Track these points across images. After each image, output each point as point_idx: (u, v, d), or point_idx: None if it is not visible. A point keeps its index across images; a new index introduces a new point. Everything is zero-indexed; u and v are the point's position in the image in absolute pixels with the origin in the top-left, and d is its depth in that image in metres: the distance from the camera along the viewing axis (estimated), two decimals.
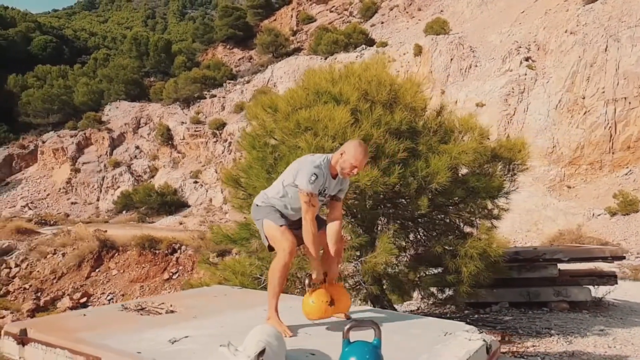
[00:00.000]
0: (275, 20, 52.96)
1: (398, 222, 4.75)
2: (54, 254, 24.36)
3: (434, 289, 5.14)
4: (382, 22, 46.36)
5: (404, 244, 4.91)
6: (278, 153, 4.63)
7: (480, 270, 4.43)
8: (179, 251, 22.73)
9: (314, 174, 3.13)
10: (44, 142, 41.96)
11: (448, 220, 5.08)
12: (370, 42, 42.52)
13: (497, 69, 31.76)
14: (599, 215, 21.48)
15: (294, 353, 2.48)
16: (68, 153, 40.88)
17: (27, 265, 23.98)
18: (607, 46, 24.84)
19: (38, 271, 23.34)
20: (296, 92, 4.75)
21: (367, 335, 2.32)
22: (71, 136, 41.94)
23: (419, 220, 4.92)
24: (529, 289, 6.40)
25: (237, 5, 56.13)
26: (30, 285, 22.20)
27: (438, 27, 39.14)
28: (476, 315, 6.04)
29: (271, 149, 4.73)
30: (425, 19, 42.41)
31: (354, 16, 49.16)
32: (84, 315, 3.17)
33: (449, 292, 5.14)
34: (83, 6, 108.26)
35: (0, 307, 19.26)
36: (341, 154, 3.21)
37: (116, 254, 23.83)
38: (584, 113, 24.62)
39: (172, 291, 18.60)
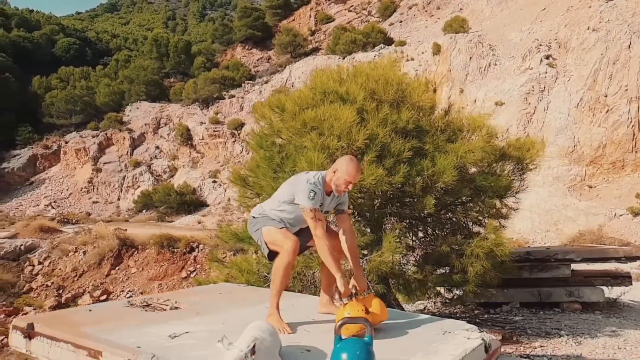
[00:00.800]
0: (293, 20, 53.13)
1: (405, 221, 4.75)
2: (76, 252, 24.80)
3: (441, 289, 5.14)
4: (401, 21, 46.17)
5: (410, 243, 4.91)
6: (285, 152, 4.68)
7: (487, 269, 4.41)
8: (196, 250, 22.97)
9: (311, 190, 3.19)
10: (66, 143, 42.77)
11: (455, 220, 5.06)
12: (389, 42, 42.40)
13: (516, 67, 31.39)
14: (620, 215, 21.09)
15: (290, 349, 2.52)
16: (90, 153, 41.59)
17: (50, 263, 24.43)
18: (630, 43, 24.37)
19: (60, 269, 23.79)
20: (303, 92, 4.79)
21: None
22: (93, 136, 42.66)
23: (427, 219, 4.91)
24: (541, 289, 6.33)
25: (256, 6, 56.46)
26: (52, 283, 22.63)
27: (457, 26, 38.87)
28: (486, 315, 6.00)
29: (278, 148, 4.79)
30: (444, 18, 42.11)
31: (372, 15, 49.04)
32: (90, 310, 3.26)
33: (457, 291, 5.13)
34: (105, 8, 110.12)
35: (23, 304, 19.67)
36: (334, 172, 3.27)
37: (135, 253, 24.17)
38: (606, 111, 24.19)
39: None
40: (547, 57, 30.12)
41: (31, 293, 21.52)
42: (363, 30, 43.28)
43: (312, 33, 49.63)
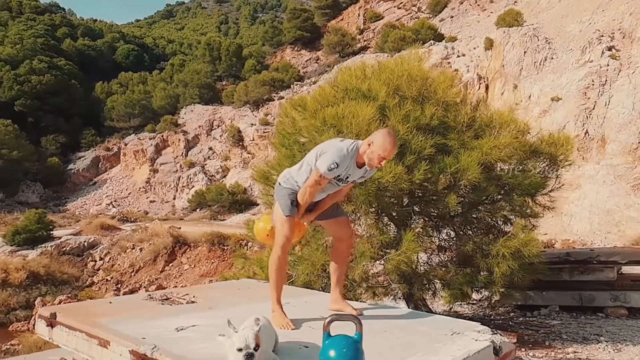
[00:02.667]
0: (342, 19, 53.14)
1: (432, 220, 4.65)
2: (133, 248, 25.84)
3: (469, 290, 4.99)
4: (452, 17, 45.22)
5: (436, 242, 4.81)
6: (306, 150, 4.68)
7: (515, 270, 4.25)
8: (245, 247, 23.40)
9: (335, 162, 3.04)
10: (126, 145, 44.69)
11: (482, 219, 4.90)
12: (439, 38, 41.66)
13: (575, 60, 29.99)
14: None
15: (289, 345, 2.54)
16: (147, 154, 43.25)
17: (110, 258, 25.57)
18: None
19: (119, 264, 24.89)
20: (325, 89, 4.80)
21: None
22: (150, 139, 44.33)
23: (454, 218, 4.79)
24: (582, 292, 6.01)
25: (305, 7, 56.89)
26: (112, 277, 23.69)
27: (511, 19, 37.64)
28: (521, 318, 5.78)
29: (299, 146, 4.80)
30: (497, 11, 40.88)
31: (422, 12, 48.30)
32: (110, 302, 3.41)
33: (485, 292, 4.97)
34: (162, 15, 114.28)
35: (86, 296, 20.70)
36: (369, 145, 3.09)
37: (188, 250, 24.91)
38: None
39: None
40: (610, 49, 28.58)
41: (93, 287, 22.64)
42: (412, 27, 42.72)
43: (361, 32, 49.46)
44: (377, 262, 4.44)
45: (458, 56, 38.84)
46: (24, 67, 45.24)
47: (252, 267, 5.12)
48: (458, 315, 5.63)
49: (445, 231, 4.86)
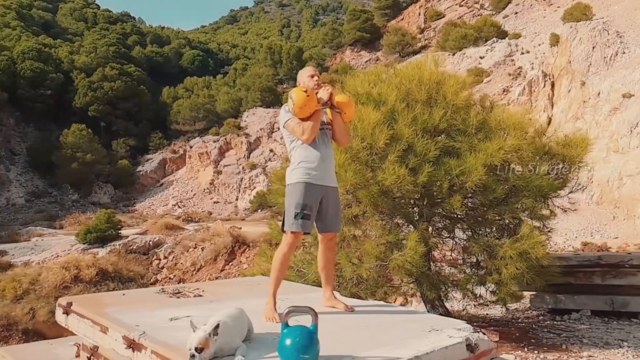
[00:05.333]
0: (402, 19, 52.68)
1: (438, 221, 4.68)
2: (195, 248, 26.80)
3: (480, 290, 4.95)
4: (516, 13, 43.73)
5: (443, 242, 4.82)
6: None
7: (523, 272, 4.19)
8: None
9: (285, 109, 3.56)
10: (191, 147, 46.55)
11: (490, 220, 4.84)
12: (502, 35, 40.40)
13: None
14: None
15: (264, 335, 2.74)
16: (211, 157, 44.82)
17: (173, 257, 26.67)
18: None
19: (181, 263, 25.92)
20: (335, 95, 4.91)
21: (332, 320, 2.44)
22: (214, 141, 45.93)
23: (461, 219, 4.78)
24: (615, 297, 5.77)
25: (365, 8, 56.89)
26: (174, 276, 24.71)
27: (579, 13, 35.89)
28: (547, 322, 5.63)
29: None
30: (564, 6, 39.10)
31: (485, 9, 47.01)
32: (124, 294, 3.74)
33: (499, 294, 4.90)
34: (226, 20, 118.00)
35: None
36: (300, 84, 3.64)
37: (247, 249, 25.57)
38: None
39: None
40: None
41: (157, 284, 23.76)
42: (475, 24, 41.70)
43: (421, 31, 48.82)
44: (384, 262, 4.52)
45: (522, 53, 37.52)
46: (97, 75, 48.20)
47: (268, 265, 5.33)
48: (479, 317, 5.59)
49: (454, 232, 4.86)
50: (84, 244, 24.38)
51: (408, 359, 2.44)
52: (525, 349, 4.50)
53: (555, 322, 5.59)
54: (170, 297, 3.63)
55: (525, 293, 6.06)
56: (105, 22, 69.90)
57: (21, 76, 45.90)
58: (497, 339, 3.46)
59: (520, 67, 36.06)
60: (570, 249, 13.21)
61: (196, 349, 2.35)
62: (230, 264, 25.12)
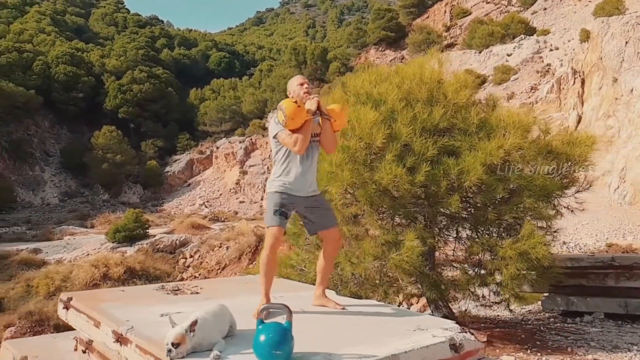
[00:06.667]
0: (427, 17, 52.20)
1: (437, 220, 4.64)
2: (220, 247, 27.12)
3: (482, 291, 4.89)
4: (545, 9, 42.81)
5: (443, 242, 4.78)
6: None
7: (525, 273, 4.13)
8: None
9: (275, 117, 3.59)
10: (217, 148, 47.18)
11: (490, 220, 4.77)
12: (531, 31, 39.61)
13: None
14: None
15: (247, 331, 2.79)
16: (237, 157, 45.34)
17: (199, 256, 27.06)
18: None
19: (206, 262, 26.27)
20: (336, 94, 4.95)
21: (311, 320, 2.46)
22: (240, 142, 46.45)
23: (461, 219, 4.73)
24: (629, 300, 5.61)
25: (390, 7, 56.57)
26: (200, 274, 25.06)
27: (611, 8, 34.92)
28: (558, 324, 5.53)
29: None
30: (595, 1, 38.12)
31: (512, 5, 46.20)
32: (123, 290, 3.85)
33: (503, 295, 4.83)
34: (252, 22, 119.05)
35: None
36: (289, 95, 3.70)
37: None
38: None
39: None
40: None
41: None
42: (502, 21, 41.04)
43: (447, 29, 48.28)
44: (382, 261, 4.51)
45: (551, 50, 36.73)
46: (127, 77, 49.37)
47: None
48: (487, 319, 5.53)
49: (454, 232, 4.82)
50: (113, 242, 24.99)
51: (384, 357, 2.46)
52: (529, 351, 4.43)
53: (565, 325, 5.47)
54: (167, 294, 3.73)
55: (538, 295, 5.96)
56: (135, 25, 71.41)
57: (55, 80, 47.38)
58: (485, 339, 3.43)
59: (548, 64, 35.29)
60: (594, 250, 12.85)
61: (172, 344, 2.43)
62: (254, 262, 25.31)
